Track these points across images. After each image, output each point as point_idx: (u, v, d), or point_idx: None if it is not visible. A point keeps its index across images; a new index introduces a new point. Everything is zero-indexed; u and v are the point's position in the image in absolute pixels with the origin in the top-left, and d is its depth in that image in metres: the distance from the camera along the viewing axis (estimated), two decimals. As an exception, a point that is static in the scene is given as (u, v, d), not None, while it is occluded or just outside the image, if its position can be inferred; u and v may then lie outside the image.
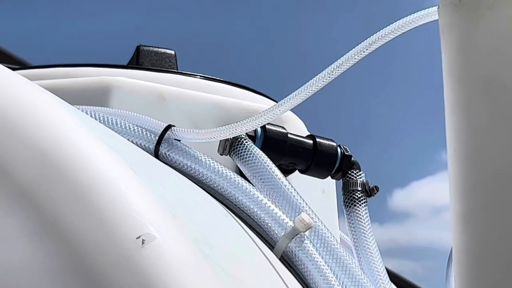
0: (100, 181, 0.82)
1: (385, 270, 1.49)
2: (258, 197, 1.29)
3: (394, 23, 1.21)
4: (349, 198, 1.57)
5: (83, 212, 0.79)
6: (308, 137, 1.63)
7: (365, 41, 1.24)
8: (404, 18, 1.19)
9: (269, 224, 1.24)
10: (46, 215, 0.78)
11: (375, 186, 1.62)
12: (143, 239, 0.77)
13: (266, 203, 1.28)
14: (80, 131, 0.91)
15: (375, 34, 1.23)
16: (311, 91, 1.27)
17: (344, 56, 1.26)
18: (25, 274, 0.79)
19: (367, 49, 1.22)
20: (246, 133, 1.43)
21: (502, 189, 0.89)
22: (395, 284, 2.05)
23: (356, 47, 1.25)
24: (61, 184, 0.80)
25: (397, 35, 1.22)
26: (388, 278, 1.49)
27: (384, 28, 1.23)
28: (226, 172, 1.33)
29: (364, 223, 1.54)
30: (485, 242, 0.91)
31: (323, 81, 1.25)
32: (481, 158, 0.93)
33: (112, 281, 0.75)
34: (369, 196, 1.58)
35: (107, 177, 0.84)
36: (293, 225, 1.21)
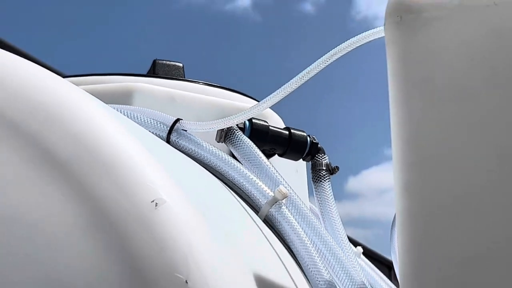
0: (123, 158, 0.82)
1: (344, 230, 1.52)
2: (246, 173, 1.32)
3: (350, 39, 1.22)
4: (316, 175, 1.61)
5: (109, 181, 0.79)
6: (284, 128, 1.64)
7: (327, 53, 1.26)
8: (358, 35, 1.21)
9: (255, 194, 1.27)
10: (80, 184, 0.78)
11: (336, 166, 1.65)
12: (156, 202, 0.78)
13: (252, 178, 1.30)
14: (108, 120, 0.91)
15: (336, 47, 1.23)
16: (285, 93, 1.29)
17: (310, 66, 1.28)
18: (62, 230, 0.79)
19: (329, 60, 1.24)
20: (237, 125, 1.45)
21: (434, 165, 0.93)
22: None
23: (319, 58, 1.25)
24: (92, 160, 0.81)
25: (352, 48, 1.22)
26: (346, 237, 1.51)
27: (343, 43, 1.23)
28: (222, 155, 1.35)
29: (328, 195, 1.57)
30: (422, 206, 0.93)
31: (294, 86, 1.27)
32: (418, 142, 0.96)
33: (132, 236, 0.75)
34: (331, 174, 1.61)
35: (129, 155, 0.83)
36: (273, 195, 1.23)
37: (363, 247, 2.16)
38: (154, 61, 1.95)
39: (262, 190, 1.29)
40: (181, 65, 1.96)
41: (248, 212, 1.25)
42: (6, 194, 0.86)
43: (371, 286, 1.39)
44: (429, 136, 0.97)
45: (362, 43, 1.24)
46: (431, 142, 0.98)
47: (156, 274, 0.76)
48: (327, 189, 1.60)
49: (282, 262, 1.19)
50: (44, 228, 0.82)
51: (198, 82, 1.98)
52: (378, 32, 1.14)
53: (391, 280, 1.75)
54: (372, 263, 1.97)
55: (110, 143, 0.86)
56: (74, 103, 0.92)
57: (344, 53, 1.27)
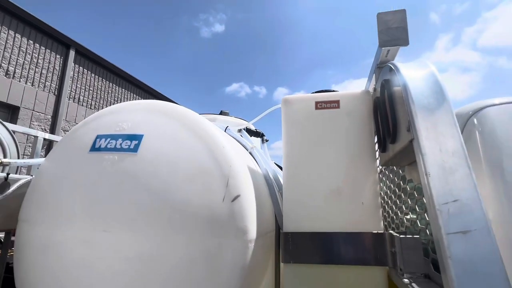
0: (215, 133, 1.01)
1: (269, 157, 1.70)
2: (244, 140, 1.50)
3: (273, 106, 1.45)
4: (262, 141, 1.89)
5: (211, 140, 0.98)
6: (255, 130, 1.89)
7: (267, 110, 1.48)
8: (274, 106, 1.44)
9: (246, 146, 1.44)
10: (216, 143, 0.95)
11: (267, 140, 1.90)
12: (223, 146, 0.97)
13: (246, 141, 1.48)
14: (212, 126, 1.06)
15: (270, 108, 1.47)
16: (254, 121, 1.55)
17: (262, 114, 1.50)
18: (194, 155, 0.93)
19: (266, 112, 1.49)
20: (243, 128, 1.69)
21: (294, 156, 1.12)
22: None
23: (265, 111, 1.49)
24: (207, 135, 0.98)
25: (274, 109, 1.47)
26: (269, 158, 1.67)
27: (272, 107, 1.46)
28: (238, 135, 1.54)
29: (266, 147, 1.86)
30: (288, 168, 1.11)
31: (256, 119, 1.52)
32: (289, 145, 1.14)
33: (216, 156, 0.93)
34: (267, 141, 1.89)
35: (216, 132, 1.01)
36: (251, 146, 1.44)
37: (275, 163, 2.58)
38: (221, 111, 2.16)
39: (248, 144, 1.45)
40: (228, 112, 2.15)
41: (245, 150, 1.38)
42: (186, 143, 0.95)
43: (276, 173, 1.39)
44: (292, 142, 1.13)
45: (276, 108, 1.43)
46: (294, 145, 1.13)
47: (223, 164, 0.92)
48: (265, 146, 1.86)
49: (253, 163, 1.27)
50: (187, 156, 0.92)
51: (231, 116, 2.15)
52: (279, 106, 1.21)
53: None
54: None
55: (213, 131, 1.01)
56: (206, 123, 1.04)
57: (272, 110, 1.46)
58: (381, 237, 0.90)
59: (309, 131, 1.11)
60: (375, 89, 1.06)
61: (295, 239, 0.97)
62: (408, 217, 0.97)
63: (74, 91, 7.65)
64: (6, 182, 1.12)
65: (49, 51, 7.04)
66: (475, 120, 0.73)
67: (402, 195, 1.00)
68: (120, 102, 9.73)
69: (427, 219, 0.78)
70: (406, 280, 0.73)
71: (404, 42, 0.82)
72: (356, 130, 1.07)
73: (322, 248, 0.95)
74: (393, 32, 0.89)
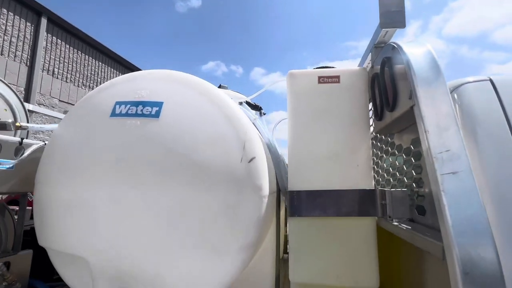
0: (229, 101, 1.04)
1: (267, 127, 1.52)
2: (246, 111, 1.44)
3: (280, 78, 1.38)
4: (259, 114, 1.75)
5: (225, 106, 0.99)
6: (254, 104, 1.84)
7: (267, 84, 1.46)
8: (282, 78, 1.31)
9: (250, 116, 1.38)
10: (220, 106, 0.98)
11: (265, 113, 1.84)
12: (238, 114, 0.97)
13: (248, 112, 1.44)
14: (225, 95, 1.07)
15: (271, 83, 1.45)
16: (254, 96, 1.49)
17: (263, 89, 1.48)
18: (211, 118, 0.97)
19: (270, 86, 1.48)
20: (245, 101, 1.61)
21: (298, 135, 1.15)
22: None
23: (267, 85, 1.47)
24: (223, 103, 1.00)
25: (280, 81, 1.39)
26: (267, 129, 1.53)
27: (277, 80, 1.39)
28: (240, 106, 1.48)
29: (263, 120, 1.68)
30: (292, 148, 1.13)
31: (257, 94, 1.48)
32: (294, 120, 1.16)
33: (233, 119, 0.98)
34: (264, 114, 1.80)
35: (232, 105, 1.03)
36: (254, 117, 1.41)
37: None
38: (220, 85, 2.11)
39: (251, 116, 1.41)
40: (227, 86, 2.12)
41: (249, 120, 1.22)
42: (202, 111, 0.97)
43: (272, 142, 1.31)
44: (297, 112, 1.13)
45: (282, 80, 1.35)
46: (298, 115, 1.13)
47: (239, 130, 0.95)
48: (263, 119, 1.68)
49: (255, 130, 1.20)
50: (205, 114, 0.95)
51: (228, 89, 2.10)
52: (285, 79, 1.21)
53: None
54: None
55: (228, 100, 1.05)
56: (220, 92, 1.07)
57: (278, 82, 1.40)
58: (372, 193, 0.99)
59: (312, 102, 1.14)
60: (372, 66, 1.12)
61: (299, 196, 1.04)
62: (396, 176, 1.09)
63: (48, 63, 7.12)
64: (21, 147, 1.09)
65: (18, 17, 6.44)
66: (455, 95, 0.81)
67: (390, 159, 1.12)
68: (98, 76, 9.20)
69: (414, 175, 0.92)
70: (395, 223, 0.88)
71: (402, 24, 0.91)
72: (354, 103, 1.11)
73: (323, 203, 1.02)
74: (393, 15, 0.95)
